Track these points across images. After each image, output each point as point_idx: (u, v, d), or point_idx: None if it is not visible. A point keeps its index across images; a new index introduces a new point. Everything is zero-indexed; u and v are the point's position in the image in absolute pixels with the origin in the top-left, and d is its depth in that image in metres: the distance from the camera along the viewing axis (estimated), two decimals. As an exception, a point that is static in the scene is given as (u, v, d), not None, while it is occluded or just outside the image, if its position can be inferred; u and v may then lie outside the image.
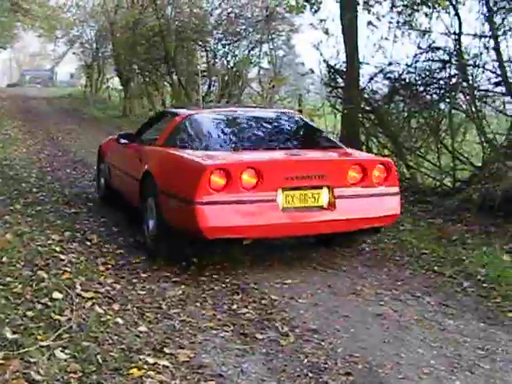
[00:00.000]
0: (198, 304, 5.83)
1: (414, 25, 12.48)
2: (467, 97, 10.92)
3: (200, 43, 25.08)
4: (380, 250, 7.78)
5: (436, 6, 11.68)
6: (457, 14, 11.13)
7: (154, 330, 5.12)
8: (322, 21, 14.40)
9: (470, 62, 10.91)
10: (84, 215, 9.18)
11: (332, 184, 6.73)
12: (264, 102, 20.78)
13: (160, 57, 25.82)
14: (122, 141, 8.89)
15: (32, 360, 4.20)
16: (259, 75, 23.95)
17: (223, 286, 6.37)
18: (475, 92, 10.74)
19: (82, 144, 18.53)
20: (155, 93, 28.15)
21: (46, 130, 22.61)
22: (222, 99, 22.38)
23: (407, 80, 12.07)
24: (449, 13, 11.32)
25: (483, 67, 10.69)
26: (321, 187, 6.71)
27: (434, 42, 11.65)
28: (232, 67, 23.79)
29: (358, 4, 13.32)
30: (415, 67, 11.84)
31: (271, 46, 23.00)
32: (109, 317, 5.24)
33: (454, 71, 11.29)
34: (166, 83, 27.68)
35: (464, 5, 11.29)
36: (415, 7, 12.44)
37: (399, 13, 12.64)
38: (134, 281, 6.39)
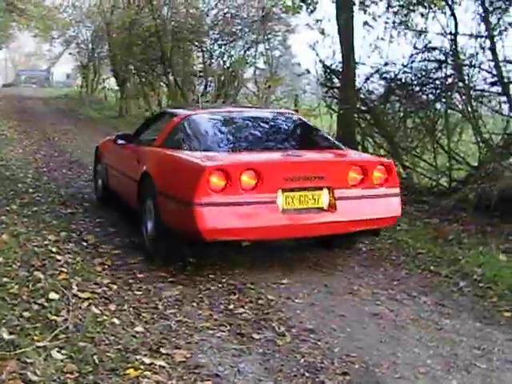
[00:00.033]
0: (195, 304, 5.83)
1: (409, 25, 12.49)
2: (463, 97, 10.93)
3: (196, 43, 25.07)
4: (376, 250, 7.79)
5: (432, 6, 11.69)
6: (453, 14, 11.14)
7: (150, 331, 5.12)
8: (318, 21, 14.41)
9: (466, 62, 10.92)
10: (80, 215, 9.17)
11: (332, 185, 6.65)
12: (260, 102, 20.79)
13: (156, 57, 25.77)
14: (120, 141, 8.81)
15: (28, 360, 4.20)
16: (255, 75, 23.95)
17: (220, 286, 6.37)
18: (471, 92, 10.75)
19: (78, 144, 18.50)
20: (151, 93, 28.11)
21: (41, 130, 22.58)
22: (218, 99, 22.36)
23: (403, 80, 12.08)
24: (445, 13, 11.34)
25: (479, 67, 10.70)
26: (321, 188, 6.63)
27: (430, 42, 11.67)
28: (228, 67, 23.77)
29: (354, 4, 13.32)
30: (411, 67, 11.85)
31: (267, 47, 23.02)
32: (105, 317, 5.24)
33: (449, 71, 11.30)
34: (162, 83, 27.63)
35: (460, 5, 11.30)
36: (411, 7, 12.44)
37: (395, 13, 12.64)
38: (131, 281, 6.38)
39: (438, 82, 11.51)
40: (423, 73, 11.70)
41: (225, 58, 24.16)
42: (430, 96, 11.67)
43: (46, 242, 7.26)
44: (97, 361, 4.36)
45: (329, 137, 8.22)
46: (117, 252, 7.37)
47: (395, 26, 12.54)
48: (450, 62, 11.22)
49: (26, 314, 5.00)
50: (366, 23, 13.40)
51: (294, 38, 60.98)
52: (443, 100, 11.32)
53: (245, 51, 23.86)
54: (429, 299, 6.17)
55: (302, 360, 4.71)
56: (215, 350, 4.84)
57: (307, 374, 4.47)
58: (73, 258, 6.79)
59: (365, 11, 13.52)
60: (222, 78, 23.54)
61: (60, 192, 10.89)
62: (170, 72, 25.18)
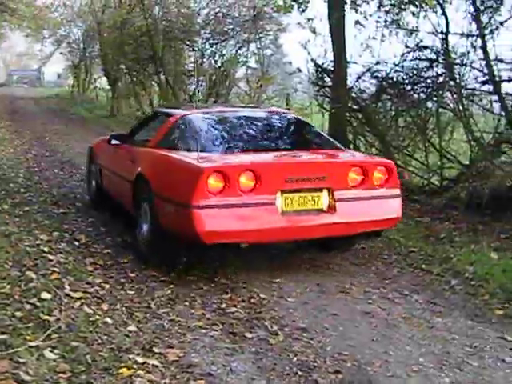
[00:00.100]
0: (187, 303, 5.83)
1: (401, 24, 12.55)
2: (454, 95, 10.97)
3: (188, 43, 25.07)
4: (368, 249, 7.80)
5: (423, 5, 11.74)
6: (444, 13, 11.17)
7: (143, 330, 5.11)
8: (309, 20, 14.48)
9: (457, 61, 10.96)
10: (72, 215, 9.15)
11: (332, 186, 6.54)
12: (252, 101, 20.79)
13: (147, 56, 25.78)
14: (114, 142, 8.64)
15: (21, 360, 4.19)
16: (247, 74, 23.99)
17: (212, 285, 6.37)
18: (462, 91, 10.78)
19: (69, 144, 18.46)
20: (143, 92, 28.10)
21: (33, 130, 22.52)
22: (210, 99, 22.37)
23: (395, 79, 12.10)
24: (436, 12, 11.38)
25: (470, 66, 10.73)
26: (321, 190, 6.52)
27: (421, 41, 11.70)
28: (220, 67, 23.78)
29: (346, 3, 13.36)
30: (402, 66, 11.88)
31: (259, 46, 23.04)
32: (98, 317, 5.23)
33: (441, 70, 11.33)
34: (153, 83, 27.66)
35: (451, 4, 11.36)
36: (402, 6, 12.49)
37: (387, 12, 12.69)
38: (123, 280, 6.37)
39: (429, 80, 11.54)
40: (415, 72, 11.73)
41: (216, 58, 24.18)
42: (422, 95, 11.70)
43: (37, 242, 7.24)
44: (89, 360, 4.35)
45: (328, 137, 8.08)
46: (109, 251, 7.36)
47: (387, 24, 12.60)
48: (441, 61, 11.25)
49: (18, 313, 4.98)
50: (357, 22, 13.47)
51: (285, 36, 60.96)
52: (434, 99, 11.35)
53: (236, 50, 23.90)
54: (420, 297, 6.19)
55: (295, 359, 4.72)
56: (208, 349, 4.85)
57: (300, 373, 4.48)
58: (65, 258, 6.78)
59: (356, 10, 13.59)
60: (214, 78, 23.55)
61: (52, 192, 10.86)
62: (162, 71, 25.18)
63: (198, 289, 6.23)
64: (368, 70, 12.44)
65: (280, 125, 8.20)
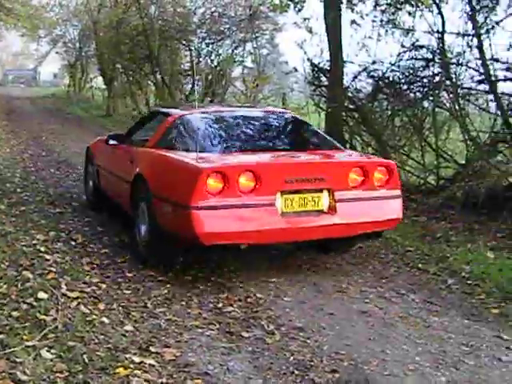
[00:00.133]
0: (184, 303, 5.84)
1: (397, 23, 12.52)
2: (451, 95, 10.96)
3: (184, 42, 25.08)
4: (365, 248, 7.80)
5: (419, 4, 11.73)
6: (440, 13, 11.17)
7: (139, 329, 5.12)
8: (305, 19, 14.46)
9: (454, 61, 10.96)
10: (68, 215, 9.14)
11: (332, 187, 6.47)
12: (248, 100, 20.79)
13: (144, 56, 25.78)
14: (112, 142, 8.53)
15: (18, 360, 4.19)
16: (243, 74, 24.00)
17: (208, 284, 6.37)
18: (458, 90, 10.78)
19: (65, 144, 18.45)
20: (139, 92, 28.09)
21: (29, 129, 22.50)
22: (206, 98, 22.38)
23: (391, 78, 12.09)
24: (432, 11, 11.38)
25: (466, 65, 10.73)
26: (321, 190, 6.45)
27: (417, 40, 11.69)
28: (216, 66, 23.79)
29: (342, 3, 13.33)
30: (399, 66, 11.87)
31: (255, 45, 23.07)
32: (94, 316, 5.24)
33: (437, 69, 11.33)
34: (149, 82, 27.65)
35: (447, 3, 11.35)
36: (398, 6, 12.48)
37: (383, 11, 12.68)
38: (120, 280, 6.38)
39: (425, 80, 11.54)
40: (411, 71, 11.73)
41: (212, 57, 24.20)
42: (418, 94, 11.70)
43: (34, 242, 7.24)
44: (86, 360, 4.36)
45: (327, 137, 7.97)
46: (105, 251, 7.36)
47: (383, 24, 12.58)
48: (437, 61, 11.25)
49: (14, 313, 4.99)
50: (353, 22, 13.44)
51: (281, 36, 60.93)
52: (431, 98, 11.36)
53: (232, 50, 23.91)
54: (417, 297, 6.20)
55: (292, 358, 4.73)
56: (204, 348, 4.85)
57: (296, 372, 4.49)
58: (61, 258, 6.78)
59: (352, 10, 13.56)
60: (210, 77, 23.55)
61: (48, 191, 10.85)
62: (158, 71, 25.19)
63: (194, 288, 6.23)
64: (364, 69, 12.44)
65: (279, 125, 8.12)
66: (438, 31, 11.15)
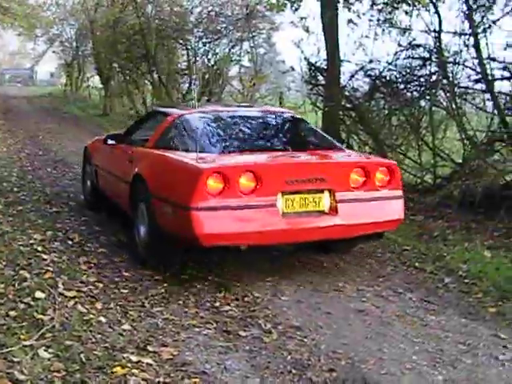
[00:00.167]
0: (181, 302, 5.83)
1: (394, 22, 12.53)
2: (447, 94, 10.98)
3: (180, 41, 25.08)
4: (361, 247, 7.80)
5: (416, 3, 11.75)
6: (437, 12, 11.19)
7: (137, 329, 5.12)
8: (302, 19, 14.46)
9: (450, 60, 10.97)
10: (65, 214, 9.13)
11: (334, 187, 6.40)
12: (245, 99, 20.80)
13: (140, 55, 25.78)
14: (110, 141, 8.44)
15: (15, 359, 4.20)
16: (240, 73, 24.04)
17: (205, 283, 6.37)
18: (455, 89, 10.79)
19: (62, 143, 18.42)
20: (136, 91, 28.06)
21: (26, 128, 22.46)
22: (203, 97, 22.38)
23: (388, 77, 12.10)
24: (429, 10, 11.40)
25: (463, 64, 10.75)
26: (322, 191, 6.37)
27: (414, 39, 11.70)
28: (213, 65, 23.80)
29: (339, 2, 13.35)
30: (396, 65, 11.88)
31: (252, 44, 23.10)
32: (92, 315, 5.24)
33: (434, 68, 11.34)
34: (146, 81, 27.63)
35: (444, 2, 11.35)
36: (395, 5, 12.49)
37: (379, 10, 12.68)
38: (117, 279, 6.37)
39: (422, 79, 11.55)
40: (408, 70, 11.74)
41: (209, 56, 24.20)
42: (415, 93, 11.72)
43: (31, 241, 7.24)
44: (84, 359, 4.36)
45: (328, 136, 7.89)
46: (102, 250, 7.34)
47: (379, 23, 12.59)
48: (434, 60, 11.26)
49: (12, 313, 4.99)
50: (350, 21, 13.45)
51: (278, 35, 60.71)
52: (428, 97, 11.37)
53: (229, 49, 23.95)
54: (414, 295, 6.21)
55: (289, 357, 4.73)
56: (202, 347, 4.85)
57: (294, 371, 4.49)
58: (58, 257, 6.78)
59: (349, 9, 13.58)
60: (207, 76, 23.56)
61: (45, 191, 10.83)
62: (155, 70, 25.19)
63: (191, 287, 6.23)
64: (361, 68, 12.45)
65: (280, 124, 8.02)
66: (434, 30, 11.16)
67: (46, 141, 19.16)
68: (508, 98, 10.13)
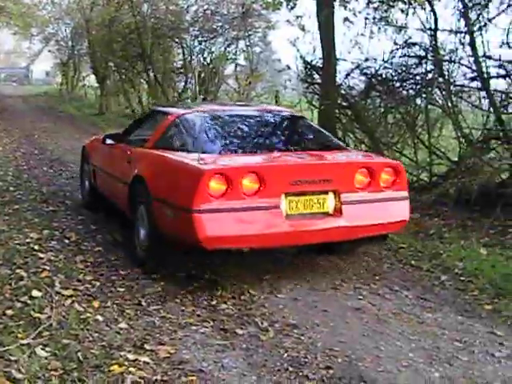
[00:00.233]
0: (178, 300, 5.84)
1: (390, 21, 12.52)
2: (443, 92, 10.98)
3: (176, 40, 25.08)
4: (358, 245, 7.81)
5: (412, 1, 11.74)
6: (432, 10, 11.19)
7: (134, 327, 5.12)
8: (298, 17, 14.48)
9: (446, 58, 10.97)
10: (62, 213, 9.12)
11: (338, 189, 6.27)
12: (241, 98, 20.81)
13: (136, 54, 25.78)
14: (109, 141, 8.31)
15: (12, 358, 4.21)
16: (236, 72, 24.04)
17: (202, 282, 6.36)
18: (451, 87, 10.80)
19: (58, 142, 18.41)
20: (131, 90, 28.05)
21: (22, 128, 22.43)
22: (199, 96, 22.38)
23: (384, 76, 12.09)
24: (424, 9, 11.39)
25: (459, 63, 10.75)
26: (326, 192, 6.25)
27: (410, 37, 11.69)
28: (208, 64, 23.79)
29: (335, 0, 13.35)
30: (391, 63, 11.87)
31: (248, 43, 23.10)
32: (89, 314, 5.24)
33: (430, 67, 11.34)
34: (142, 80, 27.62)
35: (439, 1, 11.35)
36: (391, 3, 12.48)
37: (375, 9, 12.68)
38: (113, 278, 6.37)
39: (418, 77, 11.55)
40: (403, 68, 11.73)
41: (205, 55, 24.20)
42: (411, 91, 11.71)
43: (28, 240, 7.25)
44: (81, 358, 4.37)
45: (331, 136, 7.81)
46: (99, 249, 7.34)
47: (375, 21, 12.58)
48: (430, 58, 11.26)
49: (9, 311, 5.00)
50: (346, 19, 13.44)
51: (274, 34, 60.86)
52: (423, 95, 11.37)
53: (225, 48, 23.95)
54: (411, 293, 6.22)
55: (286, 355, 4.73)
56: (199, 345, 4.86)
57: (291, 369, 4.50)
58: (55, 256, 6.78)
59: (345, 7, 13.57)
60: (203, 75, 23.55)
61: (41, 190, 10.82)
62: (150, 69, 25.19)
63: (188, 286, 6.22)
64: (357, 66, 12.44)
65: (282, 124, 7.86)
66: (430, 28, 11.17)
67: (41, 140, 19.14)
68: (504, 95, 10.14)
